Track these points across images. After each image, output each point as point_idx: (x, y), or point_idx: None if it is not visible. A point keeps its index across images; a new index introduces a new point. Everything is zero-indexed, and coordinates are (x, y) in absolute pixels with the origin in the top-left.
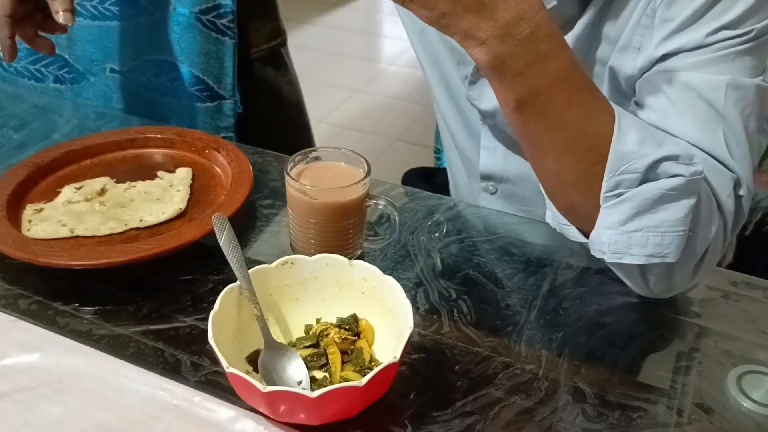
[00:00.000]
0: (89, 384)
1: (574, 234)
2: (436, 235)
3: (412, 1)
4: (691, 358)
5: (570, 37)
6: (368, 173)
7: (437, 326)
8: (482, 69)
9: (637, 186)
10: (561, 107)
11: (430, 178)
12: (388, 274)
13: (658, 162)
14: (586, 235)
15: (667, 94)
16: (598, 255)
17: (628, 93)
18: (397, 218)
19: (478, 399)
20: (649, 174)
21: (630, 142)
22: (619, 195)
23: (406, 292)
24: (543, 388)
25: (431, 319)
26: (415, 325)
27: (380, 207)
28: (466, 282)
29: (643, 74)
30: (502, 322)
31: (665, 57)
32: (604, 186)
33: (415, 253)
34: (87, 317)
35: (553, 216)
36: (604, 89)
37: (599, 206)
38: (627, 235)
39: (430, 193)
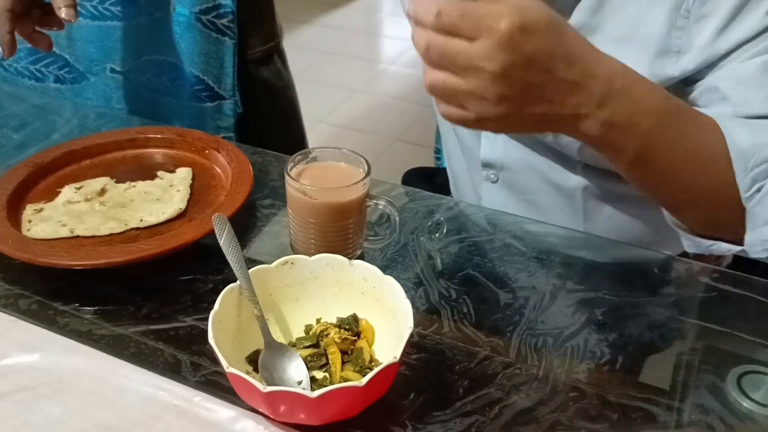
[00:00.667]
0: (89, 384)
1: (724, 248)
2: (437, 235)
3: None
4: (691, 358)
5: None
6: (368, 173)
7: (437, 326)
8: (592, 141)
9: None
10: (675, 138)
11: (431, 178)
12: (388, 274)
13: None
14: (739, 243)
15: (754, 82)
16: (762, 256)
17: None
18: (397, 218)
19: (478, 399)
20: None
21: (744, 138)
22: (759, 189)
23: (406, 292)
24: (543, 388)
25: (431, 319)
26: (415, 325)
27: (380, 207)
28: (466, 282)
29: (697, 74)
30: (502, 322)
31: (728, 50)
32: (741, 187)
33: (415, 253)
34: (87, 317)
35: (694, 244)
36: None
37: (744, 209)
38: None
39: (431, 193)
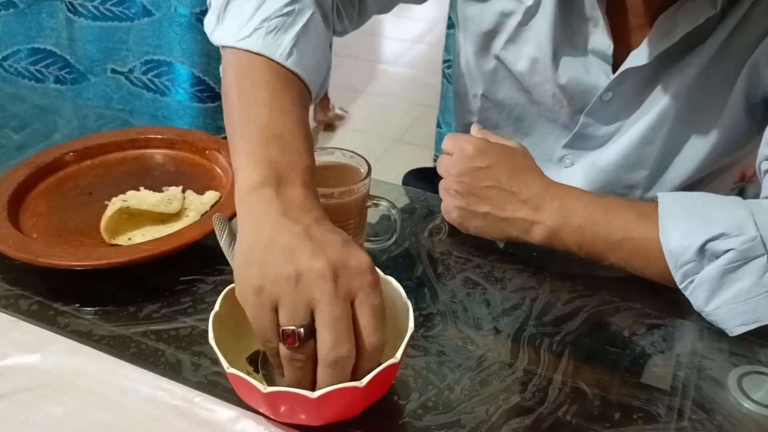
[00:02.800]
0: (90, 384)
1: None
2: (439, 237)
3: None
4: (692, 359)
5: (708, 43)
6: (369, 174)
7: (438, 327)
8: (540, 242)
9: (702, 271)
10: (606, 230)
11: (431, 179)
12: (388, 275)
13: (703, 247)
14: None
15: None
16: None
17: (759, 98)
18: (397, 219)
19: (478, 400)
20: (704, 258)
21: (675, 239)
22: (691, 282)
23: (406, 292)
24: (543, 388)
25: (432, 319)
26: (416, 325)
27: (381, 207)
28: (466, 282)
29: None
30: (503, 323)
31: None
32: (676, 280)
33: (415, 254)
34: (88, 318)
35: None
36: (736, 93)
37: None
38: (714, 312)
39: (431, 194)
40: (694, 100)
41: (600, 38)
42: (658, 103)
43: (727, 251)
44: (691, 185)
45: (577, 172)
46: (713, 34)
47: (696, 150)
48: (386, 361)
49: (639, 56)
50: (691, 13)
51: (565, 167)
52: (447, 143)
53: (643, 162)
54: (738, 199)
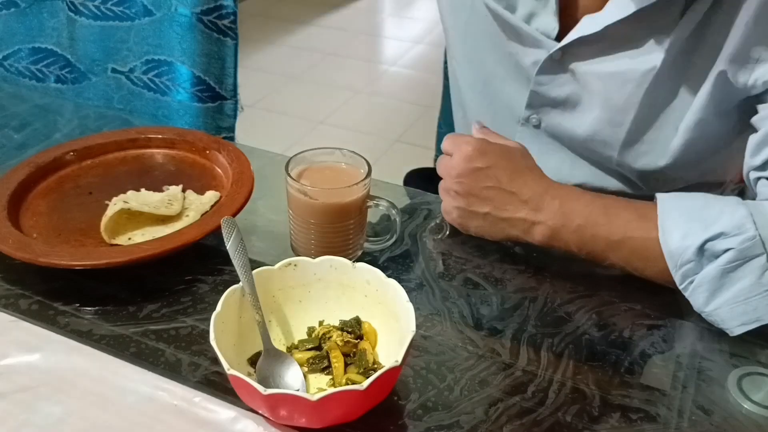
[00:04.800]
0: (89, 384)
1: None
2: (440, 236)
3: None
4: (692, 360)
5: (668, 41)
6: (369, 174)
7: (438, 327)
8: (540, 243)
9: (701, 271)
10: (606, 230)
11: (432, 179)
12: (388, 275)
13: (702, 247)
14: None
15: None
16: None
17: (732, 103)
18: (397, 219)
19: (478, 400)
20: (703, 258)
21: (674, 239)
22: (691, 282)
23: (406, 292)
24: (543, 389)
25: (432, 320)
26: (416, 326)
27: (381, 208)
28: (466, 283)
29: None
30: (503, 323)
31: None
32: (676, 281)
33: (415, 254)
34: (87, 317)
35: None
36: (702, 96)
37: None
38: (714, 313)
39: (432, 194)
40: (660, 95)
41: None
42: (622, 86)
43: (726, 251)
44: (676, 179)
45: (550, 136)
46: (675, 31)
47: (665, 143)
48: (387, 363)
49: (590, 25)
50: None
51: (534, 126)
52: (446, 143)
53: (613, 144)
54: (737, 199)
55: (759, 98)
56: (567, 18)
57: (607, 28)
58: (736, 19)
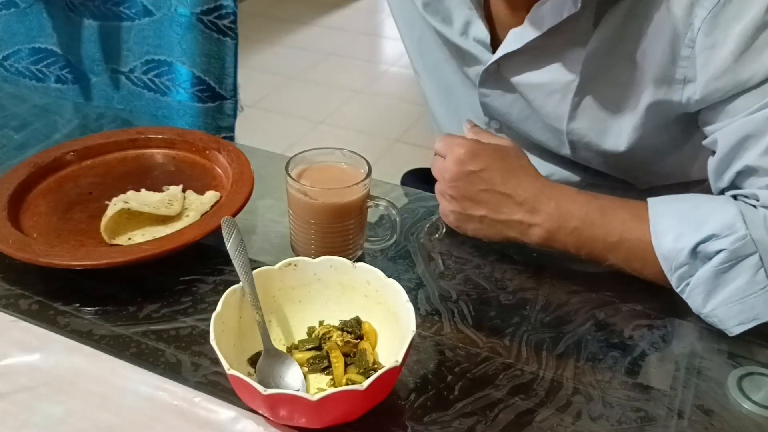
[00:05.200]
0: (89, 384)
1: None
2: (437, 236)
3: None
4: (692, 360)
5: (584, 53)
6: (369, 174)
7: (438, 327)
8: (539, 244)
9: (696, 273)
10: (602, 232)
11: (431, 179)
12: (388, 275)
13: (695, 249)
14: None
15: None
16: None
17: (668, 118)
18: (397, 219)
19: (478, 400)
20: (697, 260)
21: (667, 243)
22: (687, 285)
23: (406, 292)
24: (543, 389)
25: (431, 320)
26: (416, 326)
27: (381, 208)
28: (466, 283)
29: (709, 102)
30: (503, 323)
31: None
32: (672, 283)
33: (415, 254)
34: (88, 317)
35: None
36: (635, 115)
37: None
38: (712, 313)
39: (431, 194)
40: (588, 106)
41: (479, 24)
42: (549, 97)
43: (718, 252)
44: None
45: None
46: (590, 42)
47: (606, 151)
48: (387, 363)
49: (514, 40)
50: (557, 7)
51: (495, 131)
52: (439, 145)
53: (563, 148)
54: (728, 198)
55: (702, 119)
56: (498, 24)
57: (527, 44)
58: (654, 35)
